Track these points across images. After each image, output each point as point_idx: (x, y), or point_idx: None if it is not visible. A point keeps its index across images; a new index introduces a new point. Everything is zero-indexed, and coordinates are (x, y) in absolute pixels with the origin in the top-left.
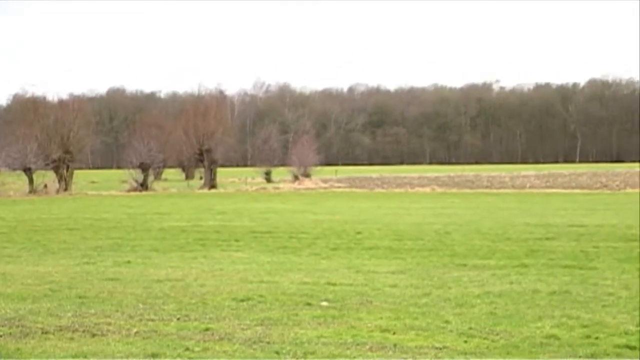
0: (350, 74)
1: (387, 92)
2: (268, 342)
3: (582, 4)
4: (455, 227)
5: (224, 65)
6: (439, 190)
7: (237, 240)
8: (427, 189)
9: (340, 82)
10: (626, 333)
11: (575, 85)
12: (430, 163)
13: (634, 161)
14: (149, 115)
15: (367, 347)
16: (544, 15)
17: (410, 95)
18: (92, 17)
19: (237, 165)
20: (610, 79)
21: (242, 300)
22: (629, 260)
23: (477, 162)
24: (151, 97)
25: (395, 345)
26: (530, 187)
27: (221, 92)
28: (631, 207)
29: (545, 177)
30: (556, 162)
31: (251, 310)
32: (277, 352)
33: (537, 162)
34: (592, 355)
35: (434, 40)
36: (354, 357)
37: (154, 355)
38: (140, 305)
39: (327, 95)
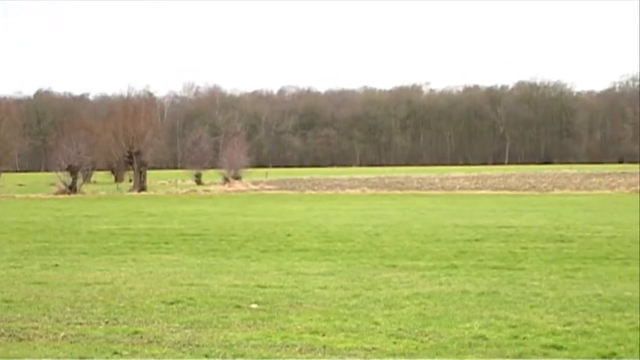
0: (281, 75)
1: (318, 94)
2: (197, 345)
3: (511, 6)
4: (385, 229)
5: (153, 67)
6: (369, 191)
7: (166, 243)
8: (358, 191)
9: (271, 83)
10: (553, 333)
11: (503, 87)
12: (361, 165)
13: (561, 163)
14: (78, 118)
15: (297, 348)
16: (472, 18)
17: (341, 97)
18: (18, 17)
19: (167, 168)
20: (538, 81)
21: (172, 303)
22: (556, 261)
23: (407, 164)
24: (80, 99)
25: (324, 346)
26: (460, 188)
27: (150, 94)
28: (559, 208)
29: (474, 179)
30: (485, 163)
31: (180, 313)
32: (206, 355)
33: (466, 163)
34: (520, 355)
35: (364, 42)
36: (284, 359)
37: (81, 358)
38: (68, 309)
39: (258, 97)
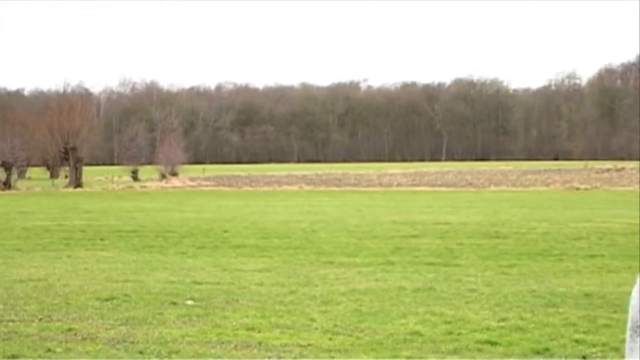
0: (218, 71)
1: (256, 90)
2: (132, 342)
3: (448, 4)
4: (322, 225)
5: (89, 63)
6: (307, 188)
7: (102, 240)
8: (295, 187)
9: (208, 80)
10: (487, 329)
11: (441, 84)
12: (299, 161)
13: (498, 159)
14: (12, 113)
15: (232, 345)
16: (409, 15)
17: (279, 94)
18: None
19: (104, 164)
20: (475, 78)
21: (107, 300)
22: (491, 257)
23: (344, 160)
24: (15, 95)
25: (260, 343)
26: (397, 185)
27: (86, 89)
28: (495, 204)
29: (411, 175)
30: (422, 160)
31: (115, 309)
32: (140, 352)
33: (404, 160)
34: (454, 351)
35: (302, 38)
36: (219, 356)
37: (14, 356)
38: (1, 306)
39: (195, 93)
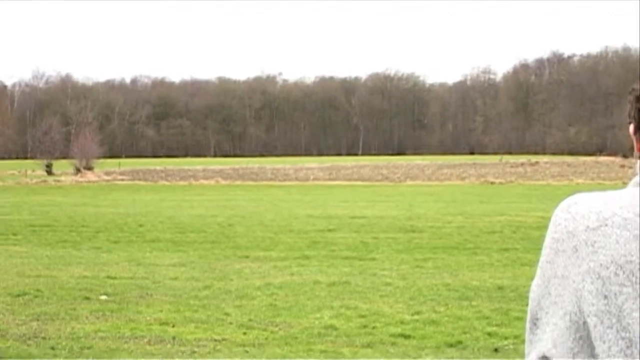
0: (134, 65)
1: (172, 84)
2: (44, 338)
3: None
4: (238, 220)
5: (2, 56)
6: (223, 182)
7: (14, 234)
8: (212, 182)
9: (124, 73)
10: (402, 322)
11: (357, 78)
12: (215, 155)
13: (414, 154)
14: None
15: (146, 340)
16: (325, 9)
17: (195, 87)
18: None
19: (17, 158)
20: (391, 72)
21: (18, 295)
22: (406, 251)
23: (261, 155)
24: None
25: (174, 338)
26: (314, 179)
27: None
28: (411, 198)
29: (328, 169)
30: (339, 154)
31: (27, 305)
32: (52, 348)
33: (320, 154)
34: (368, 345)
35: (218, 32)
36: (132, 351)
37: None
38: None
39: (110, 87)
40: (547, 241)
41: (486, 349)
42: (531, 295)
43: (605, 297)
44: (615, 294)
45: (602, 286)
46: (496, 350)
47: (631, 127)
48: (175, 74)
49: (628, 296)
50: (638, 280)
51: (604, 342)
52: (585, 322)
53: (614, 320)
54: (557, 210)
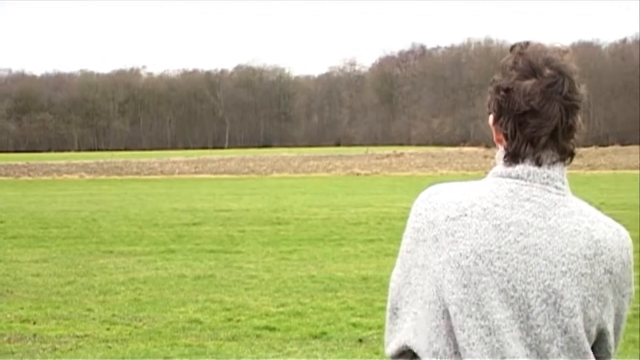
0: None
1: (33, 77)
2: None
3: None
4: (102, 214)
5: None
6: (88, 177)
7: None
8: (76, 176)
9: None
10: (267, 315)
11: (223, 71)
12: (79, 150)
13: (281, 146)
14: None
15: (6, 338)
16: (184, 3)
17: (57, 81)
18: None
19: None
20: (256, 65)
21: None
22: (272, 244)
23: (126, 149)
24: None
25: (34, 335)
26: (180, 172)
27: None
28: (277, 191)
29: (194, 163)
30: (205, 147)
31: None
32: None
33: (186, 147)
34: (233, 338)
35: (80, 24)
36: None
37: None
38: None
39: None
40: (408, 231)
41: (350, 340)
42: (391, 284)
43: (465, 286)
44: (475, 283)
45: (462, 275)
46: (360, 340)
47: (491, 118)
48: (37, 67)
49: (487, 285)
50: (497, 269)
51: (463, 331)
52: (445, 311)
53: (473, 309)
54: (417, 200)
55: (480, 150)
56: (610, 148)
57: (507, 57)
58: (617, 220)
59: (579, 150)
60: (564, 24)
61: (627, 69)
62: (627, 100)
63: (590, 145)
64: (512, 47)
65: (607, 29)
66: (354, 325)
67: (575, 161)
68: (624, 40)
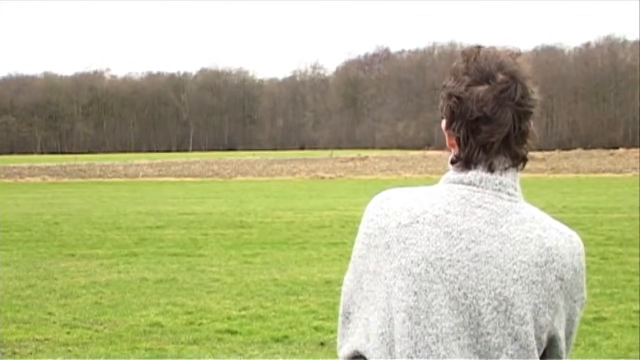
0: None
1: None
2: None
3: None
4: (65, 217)
5: None
6: (51, 180)
7: None
8: (38, 179)
9: None
10: (229, 318)
11: (187, 74)
12: (42, 152)
13: (245, 149)
14: None
15: None
16: (152, 5)
17: (20, 83)
18: None
19: None
20: (220, 68)
21: None
22: (235, 247)
23: (90, 152)
24: None
25: None
26: (144, 175)
27: None
28: (241, 194)
29: (158, 166)
30: (169, 150)
31: None
32: None
33: (150, 150)
34: (194, 341)
35: (43, 26)
36: None
37: None
38: None
39: None
40: (360, 236)
41: (312, 343)
42: (343, 289)
43: (416, 293)
44: (426, 291)
45: (413, 283)
46: (322, 344)
47: (443, 123)
48: None
49: (438, 292)
50: (448, 277)
51: (411, 338)
52: (392, 318)
53: (422, 317)
54: (369, 205)
55: (444, 154)
56: (573, 152)
57: (459, 62)
58: (579, 224)
59: (542, 154)
60: (528, 28)
61: (590, 74)
62: (591, 105)
63: (554, 149)
64: (464, 52)
65: (570, 33)
66: (316, 328)
67: (538, 165)
68: (587, 45)
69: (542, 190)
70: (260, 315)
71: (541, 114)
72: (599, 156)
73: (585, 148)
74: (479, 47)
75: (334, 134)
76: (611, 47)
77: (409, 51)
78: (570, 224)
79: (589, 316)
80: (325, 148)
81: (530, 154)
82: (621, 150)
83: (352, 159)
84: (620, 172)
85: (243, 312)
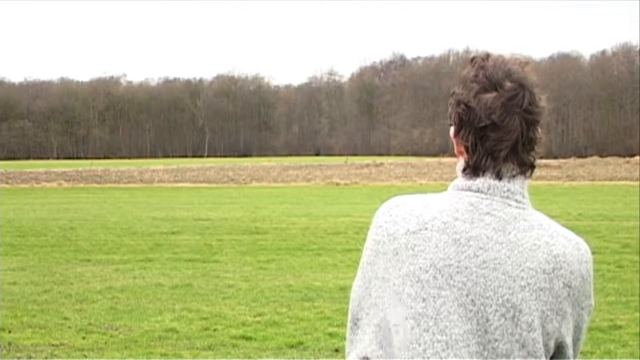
0: None
1: (12, 85)
2: None
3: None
4: (80, 223)
5: None
6: (66, 185)
7: None
8: (54, 184)
9: None
10: (243, 324)
11: (203, 80)
12: (58, 158)
13: (260, 155)
14: None
15: None
16: (168, 11)
17: (37, 89)
18: None
19: None
20: (236, 74)
21: None
22: (250, 253)
23: (105, 157)
24: None
25: (9, 343)
26: (159, 181)
27: None
28: (256, 200)
29: (174, 171)
30: (185, 156)
31: None
32: None
33: (166, 156)
34: (209, 347)
35: (60, 32)
36: None
37: None
38: None
39: None
40: (368, 242)
41: (327, 349)
42: (352, 295)
43: (424, 300)
44: (434, 297)
45: (422, 289)
46: (337, 350)
47: (452, 130)
48: (16, 75)
49: (446, 299)
50: (456, 283)
51: (419, 345)
52: (401, 325)
53: (431, 323)
54: (378, 212)
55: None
56: (589, 159)
57: (468, 70)
58: (595, 231)
59: (558, 162)
60: (544, 36)
61: (606, 81)
62: (606, 112)
63: (570, 157)
64: (472, 59)
65: (587, 41)
66: (331, 335)
67: (554, 172)
68: (604, 52)
69: (557, 197)
70: (275, 321)
71: (557, 121)
72: (615, 164)
73: (601, 155)
74: (487, 54)
75: (349, 140)
76: (627, 55)
77: (425, 58)
78: (586, 232)
79: (604, 324)
80: (341, 154)
81: (546, 161)
82: (637, 157)
83: (367, 165)
84: (637, 179)
85: (258, 318)
